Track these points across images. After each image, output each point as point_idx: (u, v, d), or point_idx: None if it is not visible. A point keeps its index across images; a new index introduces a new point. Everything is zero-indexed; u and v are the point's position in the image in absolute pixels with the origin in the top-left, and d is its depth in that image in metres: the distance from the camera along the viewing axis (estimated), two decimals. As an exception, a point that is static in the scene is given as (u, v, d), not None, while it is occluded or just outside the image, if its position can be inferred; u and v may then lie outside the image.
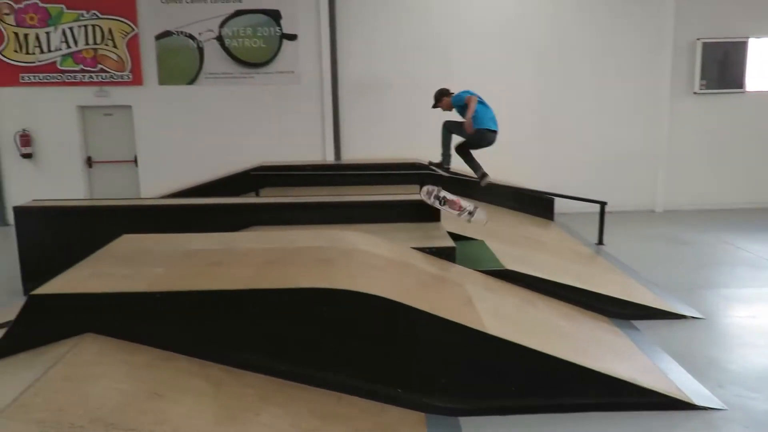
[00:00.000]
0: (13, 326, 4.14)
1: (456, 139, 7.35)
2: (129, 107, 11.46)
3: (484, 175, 7.37)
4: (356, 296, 4.20)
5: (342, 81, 11.56)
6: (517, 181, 11.12)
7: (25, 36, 11.05)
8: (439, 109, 7.48)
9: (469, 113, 6.82)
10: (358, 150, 11.68)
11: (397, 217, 7.36)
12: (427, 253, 6.08)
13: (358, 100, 11.61)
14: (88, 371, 3.69)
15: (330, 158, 11.65)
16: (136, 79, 11.34)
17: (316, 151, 11.70)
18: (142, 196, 11.23)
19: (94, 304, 4.15)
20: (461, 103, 7.08)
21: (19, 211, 7.20)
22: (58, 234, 7.01)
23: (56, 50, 11.12)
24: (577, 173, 11.59)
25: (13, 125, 11.31)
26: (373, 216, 7.31)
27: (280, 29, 11.38)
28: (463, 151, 7.33)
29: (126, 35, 11.18)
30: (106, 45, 11.19)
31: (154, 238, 5.91)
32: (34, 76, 11.18)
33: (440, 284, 5.24)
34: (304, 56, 11.49)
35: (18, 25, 11.02)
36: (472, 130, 6.90)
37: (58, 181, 11.30)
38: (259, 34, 11.36)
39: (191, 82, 11.44)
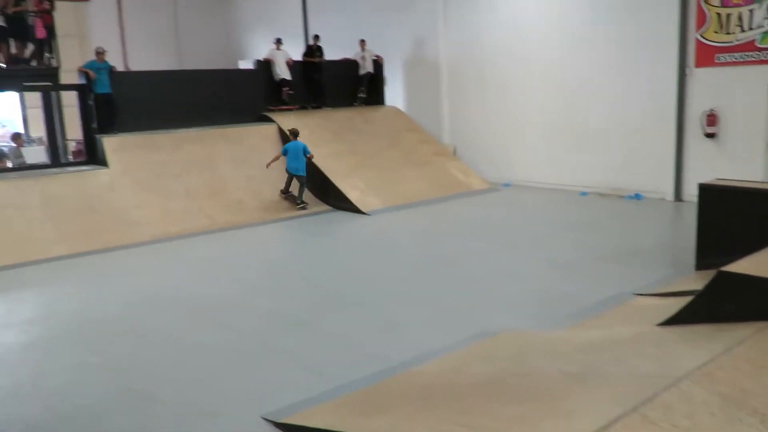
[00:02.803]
0: (699, 297, 4.35)
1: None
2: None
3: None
4: None
5: None
6: None
7: (728, 16, 11.12)
8: None
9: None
10: None
11: None
12: None
13: None
14: (772, 361, 3.57)
15: None
16: None
17: None
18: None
19: (783, 294, 3.96)
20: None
21: (704, 188, 7.40)
22: (740, 215, 6.91)
23: (757, 27, 10.81)
24: None
25: (701, 105, 11.65)
26: None
27: None
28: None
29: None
30: None
31: None
32: (729, 55, 11.20)
33: None
34: None
35: (722, 6, 11.17)
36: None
37: (737, 162, 11.14)
38: None
39: None
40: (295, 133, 12.46)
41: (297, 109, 14.98)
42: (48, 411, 4.85)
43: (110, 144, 11.87)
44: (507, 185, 14.58)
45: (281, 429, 4.34)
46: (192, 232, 10.90)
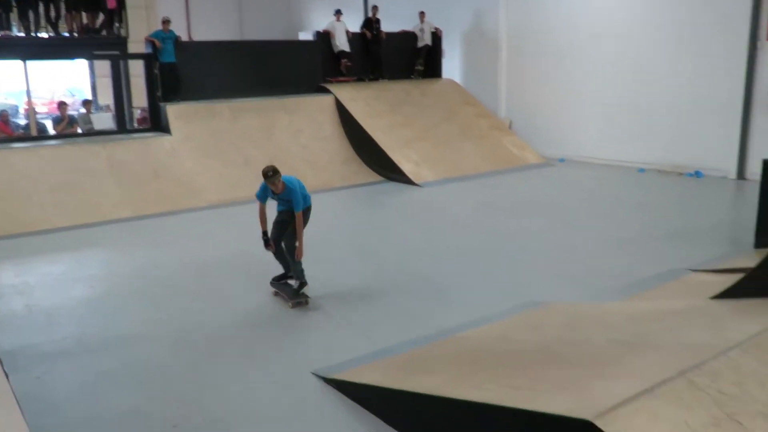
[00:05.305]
0: (754, 272, 4.29)
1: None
2: None
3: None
4: None
5: None
6: None
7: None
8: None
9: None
10: None
11: None
12: None
13: None
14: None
15: None
16: None
17: None
18: None
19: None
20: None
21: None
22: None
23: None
24: None
25: (772, 80, 11.23)
26: None
27: None
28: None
29: None
30: None
31: None
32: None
33: None
34: None
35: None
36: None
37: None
38: None
39: None
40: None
41: (354, 80, 15.07)
42: (115, 359, 5.16)
43: (173, 112, 12.22)
44: (562, 161, 14.39)
45: (330, 384, 4.51)
46: (249, 199, 11.12)
